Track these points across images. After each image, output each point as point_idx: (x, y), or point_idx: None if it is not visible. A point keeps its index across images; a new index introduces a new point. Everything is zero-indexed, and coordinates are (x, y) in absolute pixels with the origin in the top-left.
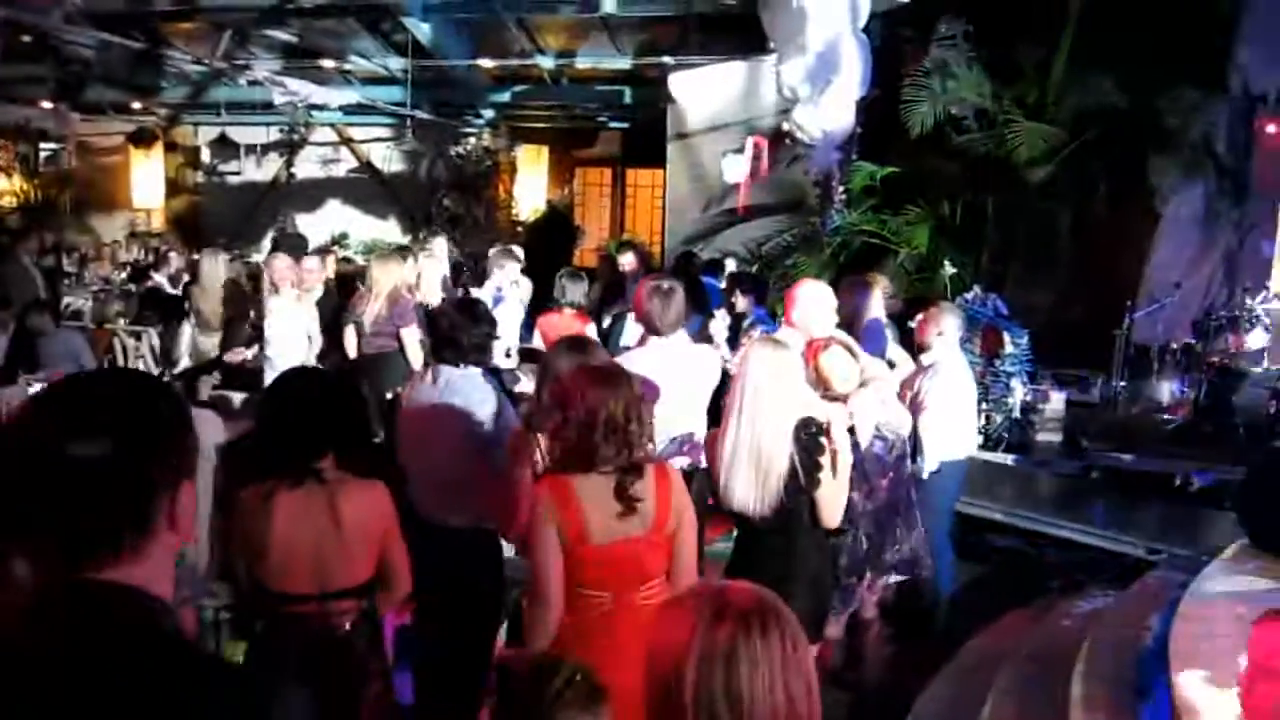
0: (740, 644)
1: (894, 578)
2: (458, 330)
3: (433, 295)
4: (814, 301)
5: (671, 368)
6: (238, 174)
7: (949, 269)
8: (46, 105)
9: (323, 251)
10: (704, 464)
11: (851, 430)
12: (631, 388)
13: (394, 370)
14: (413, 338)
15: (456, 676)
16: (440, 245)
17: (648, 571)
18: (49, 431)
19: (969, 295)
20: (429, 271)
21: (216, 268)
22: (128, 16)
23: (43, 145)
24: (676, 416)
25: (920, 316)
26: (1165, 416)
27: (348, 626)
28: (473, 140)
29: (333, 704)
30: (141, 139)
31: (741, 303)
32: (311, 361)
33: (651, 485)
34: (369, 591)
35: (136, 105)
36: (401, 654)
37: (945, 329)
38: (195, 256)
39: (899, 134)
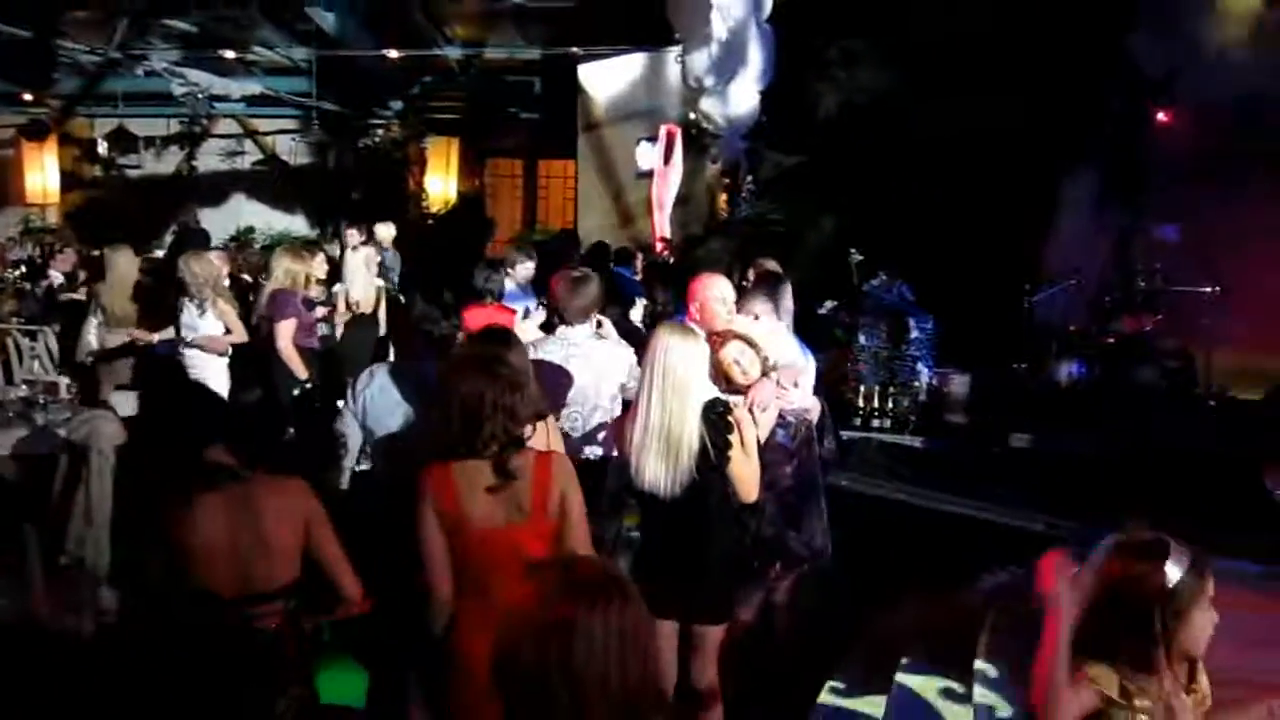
0: (577, 617)
1: (804, 566)
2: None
3: (356, 288)
4: (710, 294)
5: (577, 357)
6: (137, 168)
7: (856, 256)
8: None
9: (226, 248)
10: (615, 453)
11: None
12: (512, 370)
13: (280, 367)
14: (285, 332)
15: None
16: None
17: (530, 560)
18: None
19: (875, 282)
20: (352, 264)
21: (127, 264)
22: (17, 3)
23: None
24: (584, 405)
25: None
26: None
27: (270, 629)
28: (381, 132)
29: (249, 709)
30: (34, 132)
31: (661, 295)
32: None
33: (530, 469)
34: (292, 594)
35: (28, 96)
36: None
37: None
38: (95, 253)
39: (804, 123)
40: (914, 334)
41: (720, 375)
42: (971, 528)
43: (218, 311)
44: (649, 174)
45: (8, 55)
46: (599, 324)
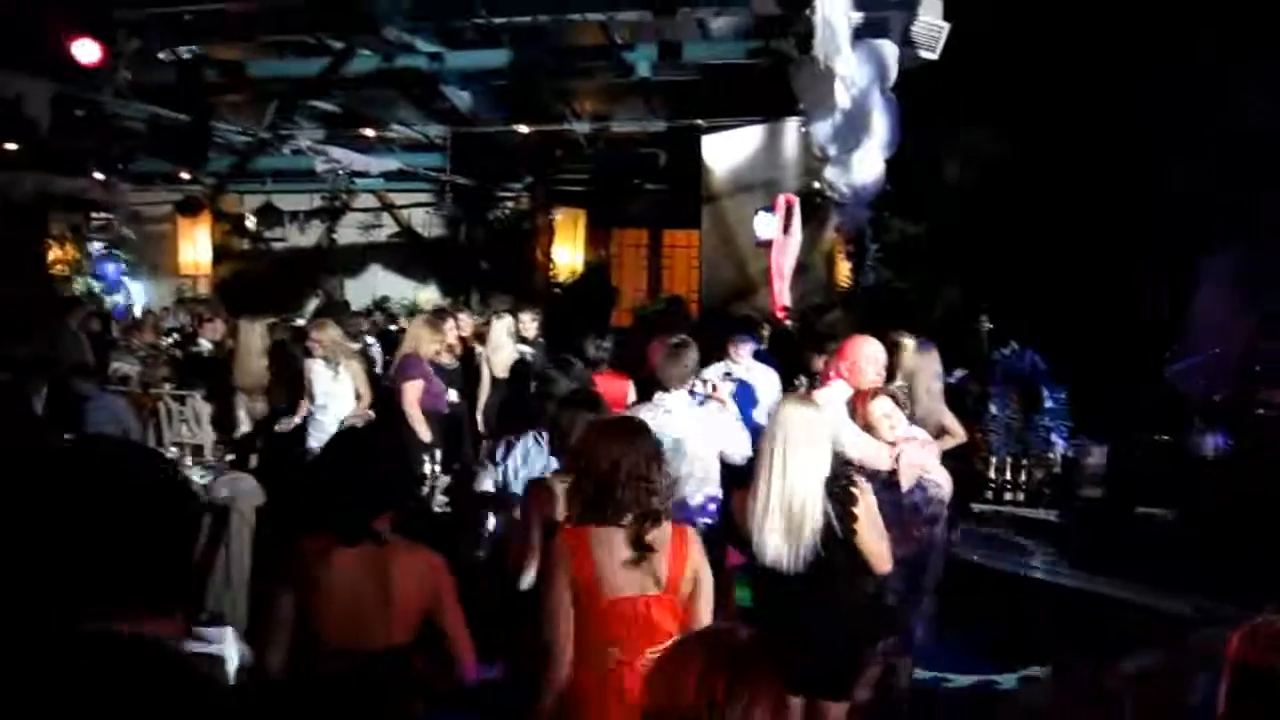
0: (724, 693)
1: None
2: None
3: (498, 353)
4: (864, 355)
5: (675, 423)
6: (282, 240)
7: (986, 324)
8: (98, 176)
9: (365, 315)
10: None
11: (894, 474)
12: (650, 441)
13: (405, 429)
14: (411, 394)
15: None
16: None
17: (658, 632)
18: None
19: (1006, 350)
20: (495, 330)
21: (252, 336)
22: (176, 89)
23: (94, 215)
24: (688, 472)
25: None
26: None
27: (381, 687)
28: (510, 205)
29: None
30: (189, 208)
31: (819, 361)
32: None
33: (668, 542)
34: (401, 655)
35: (184, 175)
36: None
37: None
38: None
39: (930, 191)
40: (1048, 404)
41: (867, 429)
42: (1110, 607)
43: (350, 373)
44: (768, 243)
45: (168, 138)
46: (712, 387)
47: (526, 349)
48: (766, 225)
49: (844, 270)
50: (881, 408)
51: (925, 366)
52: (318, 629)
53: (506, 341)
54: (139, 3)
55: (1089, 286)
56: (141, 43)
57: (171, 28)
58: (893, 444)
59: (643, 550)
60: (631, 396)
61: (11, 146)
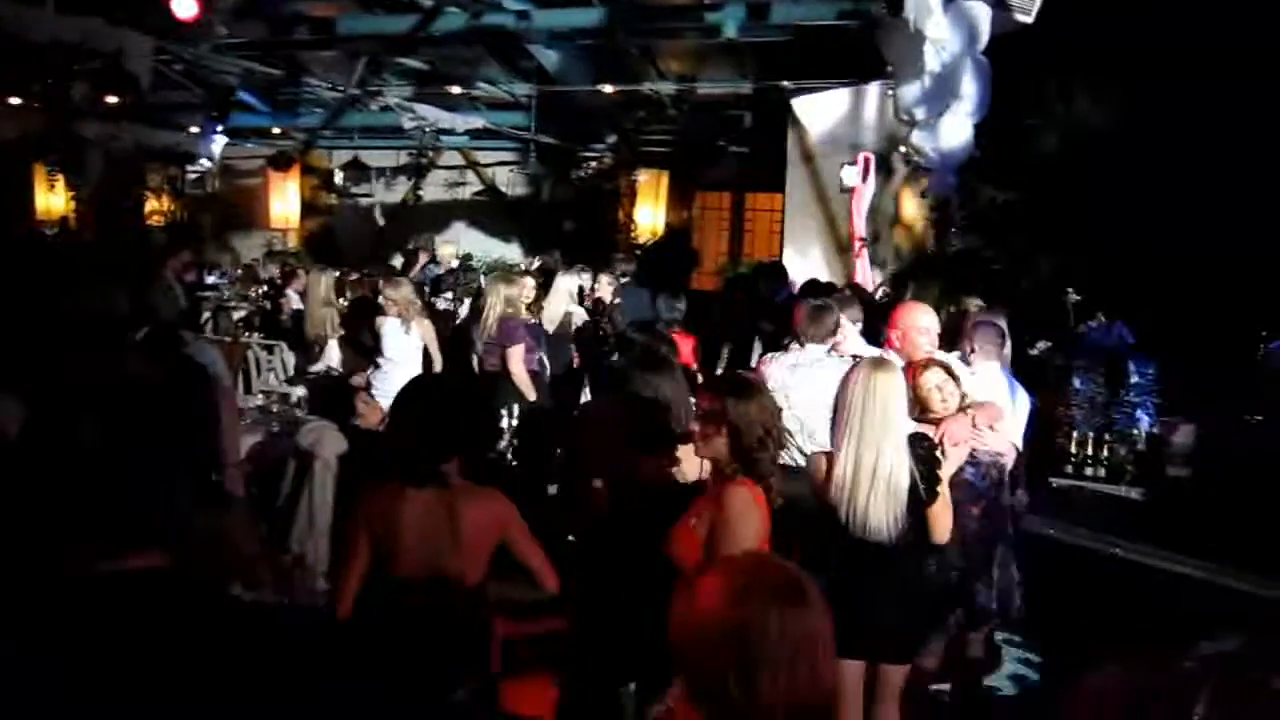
0: (753, 615)
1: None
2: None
3: (550, 307)
4: (913, 323)
5: (807, 372)
6: (368, 196)
7: (1073, 296)
8: (193, 130)
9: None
10: None
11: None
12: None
13: (503, 391)
14: (517, 357)
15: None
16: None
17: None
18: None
19: (1093, 323)
20: (556, 285)
21: (318, 287)
22: (269, 45)
23: (189, 168)
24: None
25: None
26: None
27: (457, 621)
28: (594, 164)
29: (427, 690)
30: (280, 162)
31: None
32: None
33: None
34: (479, 592)
35: (276, 130)
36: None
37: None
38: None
39: (1021, 157)
40: (1134, 379)
41: (916, 403)
42: (1192, 588)
43: (421, 330)
44: (851, 190)
45: (261, 92)
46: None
47: (577, 309)
48: (850, 177)
49: (931, 237)
50: (933, 379)
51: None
52: (391, 568)
53: (563, 297)
54: None
55: (1184, 260)
56: None
57: None
58: (938, 421)
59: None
60: (691, 356)
61: (112, 100)
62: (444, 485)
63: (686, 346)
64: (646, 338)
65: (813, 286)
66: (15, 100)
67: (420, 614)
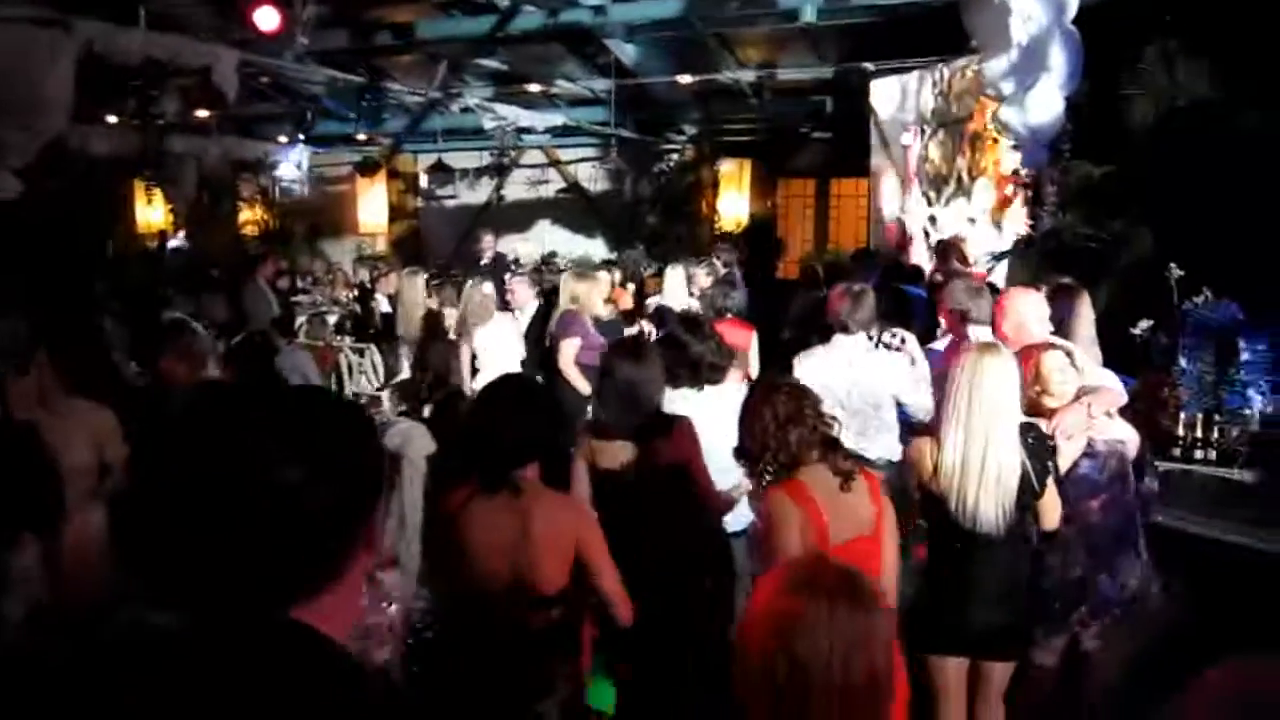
0: (806, 612)
1: (1115, 612)
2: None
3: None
4: (1027, 309)
5: (850, 365)
6: (453, 198)
7: (1176, 272)
8: (282, 140)
9: (533, 271)
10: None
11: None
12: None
13: (564, 384)
14: (566, 350)
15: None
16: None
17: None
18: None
19: (1199, 299)
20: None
21: (413, 290)
22: (351, 53)
23: (279, 177)
24: (857, 417)
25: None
26: None
27: (537, 631)
28: (675, 157)
29: (518, 705)
30: (367, 168)
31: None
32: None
33: (865, 485)
34: (561, 600)
35: (361, 136)
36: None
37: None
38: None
39: (1116, 130)
40: (1245, 356)
41: (1038, 386)
42: None
43: (505, 331)
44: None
45: (345, 100)
46: (902, 340)
47: (693, 302)
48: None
49: (1024, 216)
50: (1055, 362)
51: (1083, 312)
52: (464, 577)
53: (680, 291)
54: None
55: None
56: (317, 9)
57: None
58: (1051, 413)
59: (847, 483)
60: (754, 347)
61: (203, 114)
62: (517, 491)
63: (744, 337)
64: (684, 331)
65: (897, 270)
66: (111, 119)
67: (498, 621)
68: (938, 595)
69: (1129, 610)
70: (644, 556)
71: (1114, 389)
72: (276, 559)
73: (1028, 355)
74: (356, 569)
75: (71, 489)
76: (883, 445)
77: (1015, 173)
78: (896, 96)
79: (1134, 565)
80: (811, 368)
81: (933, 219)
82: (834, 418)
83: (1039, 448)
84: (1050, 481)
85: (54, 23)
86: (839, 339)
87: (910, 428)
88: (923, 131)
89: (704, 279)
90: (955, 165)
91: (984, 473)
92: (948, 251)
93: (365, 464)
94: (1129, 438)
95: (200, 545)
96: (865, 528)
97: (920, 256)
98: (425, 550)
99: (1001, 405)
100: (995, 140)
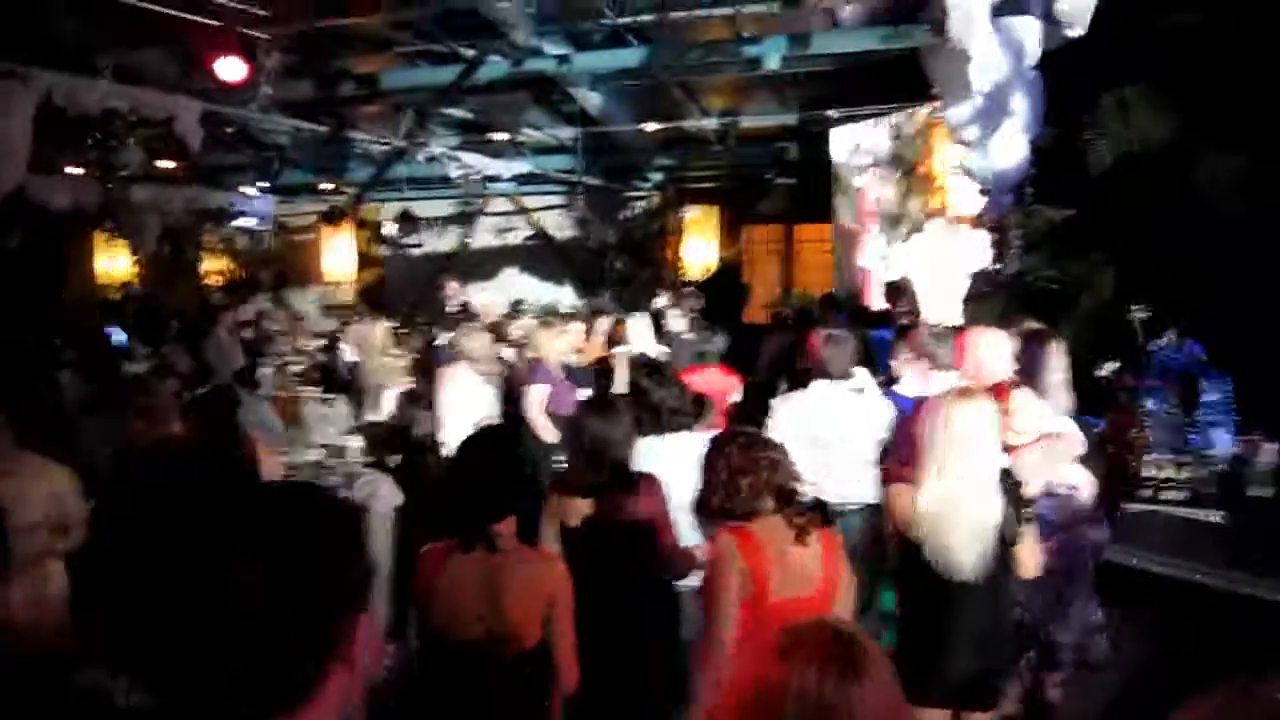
0: (818, 685)
1: (1067, 658)
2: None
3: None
4: (988, 349)
5: (832, 410)
6: (419, 246)
7: (1139, 313)
8: (249, 191)
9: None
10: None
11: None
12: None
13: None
14: (532, 398)
15: None
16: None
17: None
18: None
19: (1162, 341)
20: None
21: (373, 338)
22: (316, 103)
23: (244, 227)
24: (839, 462)
25: None
26: None
27: (510, 685)
28: (641, 203)
29: None
30: (332, 217)
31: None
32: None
33: (820, 547)
34: (535, 655)
35: (327, 186)
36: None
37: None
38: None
39: (1077, 175)
40: (1209, 396)
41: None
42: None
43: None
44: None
45: (310, 150)
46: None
47: (665, 349)
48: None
49: (978, 257)
50: (1019, 400)
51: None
52: (434, 633)
53: (645, 338)
54: (278, 20)
55: (1257, 271)
56: (282, 59)
57: (310, 43)
58: (1013, 449)
59: (801, 537)
60: (737, 393)
61: (166, 165)
62: (491, 548)
63: (726, 383)
64: (644, 375)
65: (863, 314)
66: (72, 170)
67: (472, 675)
68: (917, 644)
69: (1081, 657)
70: (600, 616)
71: (1075, 434)
72: (233, 661)
73: (999, 394)
74: (332, 689)
75: (24, 545)
76: (862, 490)
77: (979, 216)
78: (853, 143)
79: (1083, 609)
80: (791, 412)
81: (885, 259)
82: (795, 470)
83: (1016, 493)
84: (1026, 529)
85: (10, 74)
86: (818, 384)
87: (887, 473)
88: (877, 175)
89: (679, 321)
90: (908, 206)
91: (962, 519)
92: (898, 292)
93: (342, 574)
94: (1083, 483)
95: (158, 635)
96: (809, 588)
97: (876, 297)
98: (394, 601)
99: (978, 449)
100: (941, 187)
